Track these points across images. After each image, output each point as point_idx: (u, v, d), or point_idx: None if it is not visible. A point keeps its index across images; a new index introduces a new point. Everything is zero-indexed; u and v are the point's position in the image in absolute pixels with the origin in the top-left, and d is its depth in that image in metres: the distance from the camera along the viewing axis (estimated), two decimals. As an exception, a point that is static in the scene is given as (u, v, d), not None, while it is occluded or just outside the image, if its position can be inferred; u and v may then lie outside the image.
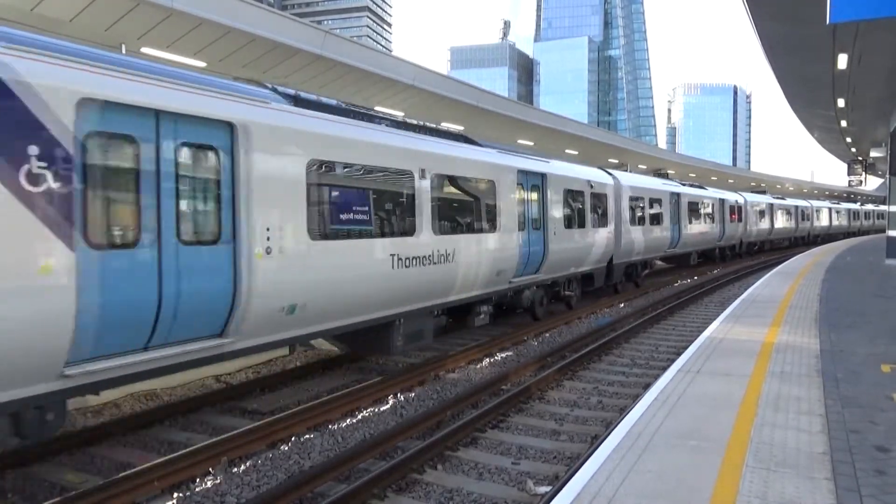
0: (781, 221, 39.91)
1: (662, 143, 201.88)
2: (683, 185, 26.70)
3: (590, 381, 9.70)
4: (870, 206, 71.86)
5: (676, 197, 23.54)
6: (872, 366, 7.40)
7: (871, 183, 72.09)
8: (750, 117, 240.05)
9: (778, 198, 41.34)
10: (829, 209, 52.21)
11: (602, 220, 16.31)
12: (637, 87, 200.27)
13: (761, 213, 35.80)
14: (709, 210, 27.26)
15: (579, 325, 14.37)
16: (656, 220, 20.99)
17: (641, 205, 19.60)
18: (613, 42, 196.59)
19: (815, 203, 49.54)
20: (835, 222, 53.07)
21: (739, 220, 31.67)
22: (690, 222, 24.78)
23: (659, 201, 21.44)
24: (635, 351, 11.79)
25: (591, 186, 15.64)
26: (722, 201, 29.07)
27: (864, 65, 16.29)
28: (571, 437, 7.34)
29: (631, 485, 4.20)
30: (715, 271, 27.08)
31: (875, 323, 10.35)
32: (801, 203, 45.04)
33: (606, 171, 18.21)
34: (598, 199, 16.21)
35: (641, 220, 19.55)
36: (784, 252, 38.79)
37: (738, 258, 33.57)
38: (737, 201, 31.47)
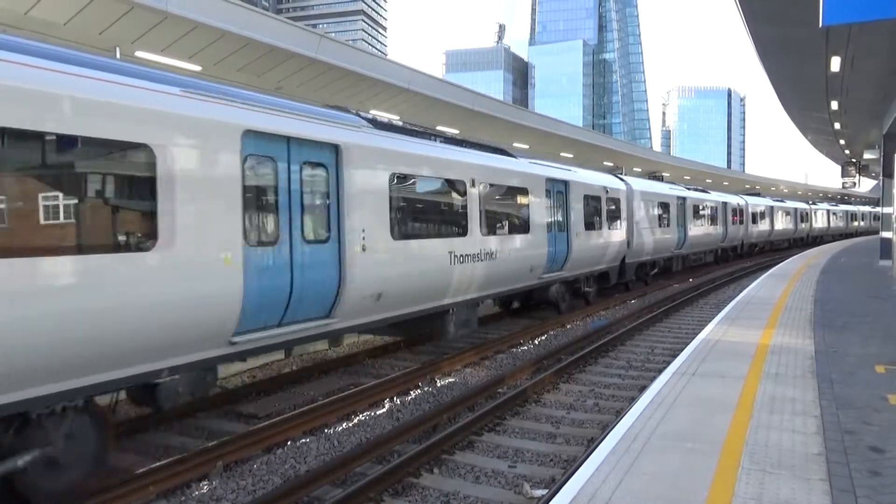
0: (703, 227, 26.02)
1: (657, 145, 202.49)
2: (475, 148, 11.97)
3: (586, 384, 9.70)
4: (825, 205, 56.60)
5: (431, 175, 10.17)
6: (867, 367, 7.43)
7: (865, 185, 72.33)
8: (744, 120, 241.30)
9: (698, 190, 27.84)
10: (773, 208, 38.54)
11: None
12: (632, 90, 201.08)
13: (665, 214, 21.60)
14: (540, 206, 13.43)
15: (575, 329, 14.39)
16: (315, 222, 7.95)
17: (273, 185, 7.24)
18: (608, 45, 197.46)
19: (753, 200, 35.66)
20: (778, 226, 39.55)
21: (620, 223, 17.96)
22: (494, 230, 11.76)
23: (316, 177, 7.92)
24: (631, 353, 11.80)
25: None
26: (565, 185, 14.66)
27: (856, 67, 16.37)
28: (568, 440, 7.34)
29: (627, 487, 4.21)
30: (710, 274, 26.87)
31: (869, 324, 10.39)
32: (734, 200, 31.60)
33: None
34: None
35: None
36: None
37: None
38: (607, 188, 17.15)
